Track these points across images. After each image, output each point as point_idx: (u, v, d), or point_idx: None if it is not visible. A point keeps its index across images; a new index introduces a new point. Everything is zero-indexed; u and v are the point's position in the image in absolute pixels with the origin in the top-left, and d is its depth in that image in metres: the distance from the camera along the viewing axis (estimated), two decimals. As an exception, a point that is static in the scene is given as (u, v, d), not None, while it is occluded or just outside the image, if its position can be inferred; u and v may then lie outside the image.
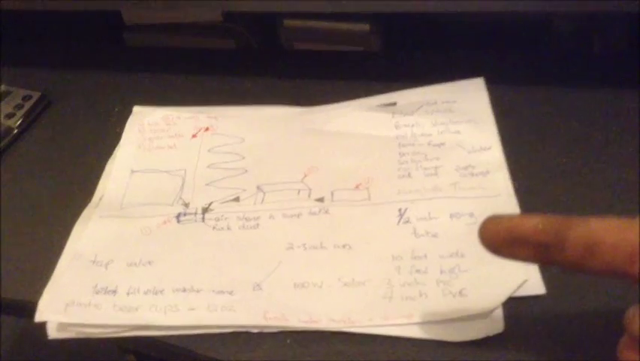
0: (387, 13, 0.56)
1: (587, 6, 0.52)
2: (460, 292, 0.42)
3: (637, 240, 0.26)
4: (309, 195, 0.51)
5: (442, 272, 0.43)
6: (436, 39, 0.72)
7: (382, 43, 0.71)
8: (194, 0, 0.59)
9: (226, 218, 0.50)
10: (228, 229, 0.50)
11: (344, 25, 0.71)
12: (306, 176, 0.53)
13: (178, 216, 0.51)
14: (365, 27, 0.70)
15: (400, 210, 0.48)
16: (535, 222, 0.27)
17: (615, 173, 0.50)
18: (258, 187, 0.53)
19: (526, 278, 0.41)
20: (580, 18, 0.69)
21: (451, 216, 0.47)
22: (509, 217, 0.29)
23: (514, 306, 0.41)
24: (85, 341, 0.45)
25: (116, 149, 0.59)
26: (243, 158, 0.56)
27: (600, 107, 0.56)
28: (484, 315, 0.41)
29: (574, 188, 0.49)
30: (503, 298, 0.40)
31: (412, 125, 0.55)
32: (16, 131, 0.63)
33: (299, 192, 0.52)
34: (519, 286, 0.41)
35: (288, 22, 0.73)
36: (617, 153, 0.51)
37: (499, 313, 0.41)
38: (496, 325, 0.40)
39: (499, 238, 0.28)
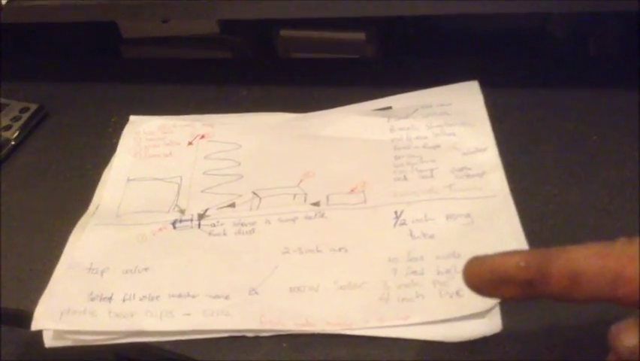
0: (382, 17, 0.56)
1: (587, 6, 0.52)
2: (457, 293, 0.42)
3: (617, 265, 0.26)
4: (304, 200, 0.51)
5: (438, 273, 0.43)
6: (431, 46, 0.72)
7: (378, 51, 0.71)
8: (190, 10, 0.59)
9: (222, 224, 0.50)
10: (224, 234, 0.49)
11: (340, 35, 0.71)
12: (301, 181, 0.53)
13: (174, 222, 0.51)
14: (361, 36, 0.71)
15: (395, 212, 0.48)
16: (517, 260, 0.27)
17: (610, 174, 0.50)
18: (254, 193, 0.53)
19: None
20: (575, 22, 0.69)
21: (447, 217, 0.47)
22: (491, 258, 0.28)
23: (511, 305, 0.41)
24: (82, 350, 0.45)
25: (113, 158, 0.59)
26: (239, 164, 0.56)
27: (595, 108, 0.56)
28: (481, 315, 0.40)
29: (569, 189, 0.49)
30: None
31: (408, 129, 0.55)
32: (13, 142, 0.63)
33: (295, 196, 0.51)
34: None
35: (285, 33, 0.73)
36: (612, 154, 0.51)
37: (496, 312, 0.41)
38: (493, 324, 0.40)
39: (483, 281, 0.28)
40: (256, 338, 0.43)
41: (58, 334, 0.45)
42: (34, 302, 0.46)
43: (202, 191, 0.54)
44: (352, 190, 0.51)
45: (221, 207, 0.52)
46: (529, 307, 0.41)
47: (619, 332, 0.27)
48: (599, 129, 0.54)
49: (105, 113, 0.65)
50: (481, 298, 0.40)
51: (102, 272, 0.48)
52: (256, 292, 0.44)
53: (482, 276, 0.28)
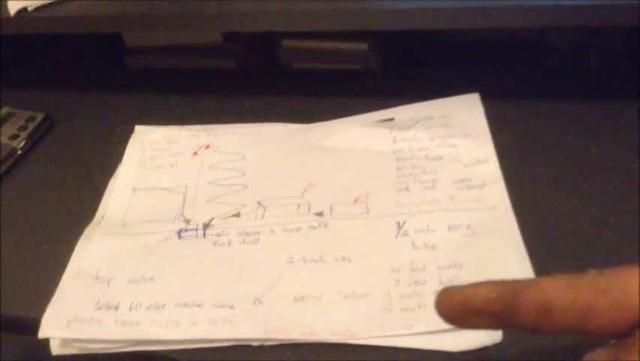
0: (385, 30, 0.57)
1: (586, 20, 0.53)
2: (459, 303, 0.42)
3: (587, 298, 0.26)
4: (308, 210, 0.52)
5: (440, 283, 0.44)
6: (433, 57, 0.73)
7: (380, 62, 0.72)
8: (195, 22, 0.60)
9: (227, 233, 0.51)
10: (229, 244, 0.50)
11: (342, 45, 0.72)
12: (305, 191, 0.53)
13: (179, 232, 0.52)
14: (363, 46, 0.71)
15: (398, 223, 0.49)
16: (487, 292, 0.27)
17: (610, 185, 0.50)
18: (259, 202, 0.53)
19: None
20: (575, 33, 0.70)
21: (449, 228, 0.48)
22: (461, 289, 0.28)
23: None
24: (88, 358, 0.45)
25: (118, 168, 0.59)
26: (244, 174, 0.56)
27: (595, 119, 0.57)
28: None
29: (570, 200, 0.50)
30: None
31: (410, 140, 0.56)
32: (20, 152, 0.64)
33: (299, 206, 0.52)
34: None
35: (287, 43, 0.74)
36: (613, 166, 0.52)
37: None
38: (494, 334, 0.41)
39: (454, 312, 0.29)
40: (261, 347, 0.43)
41: (65, 342, 0.45)
42: (41, 310, 0.47)
43: (207, 201, 0.54)
44: (355, 201, 0.52)
45: (226, 217, 0.52)
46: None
47: None
48: (599, 141, 0.54)
49: (110, 123, 0.66)
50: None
51: (108, 281, 0.48)
52: (261, 302, 0.45)
53: (453, 307, 0.28)
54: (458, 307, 0.28)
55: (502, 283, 0.28)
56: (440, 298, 0.29)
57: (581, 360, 0.27)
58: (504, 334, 0.41)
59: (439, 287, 0.43)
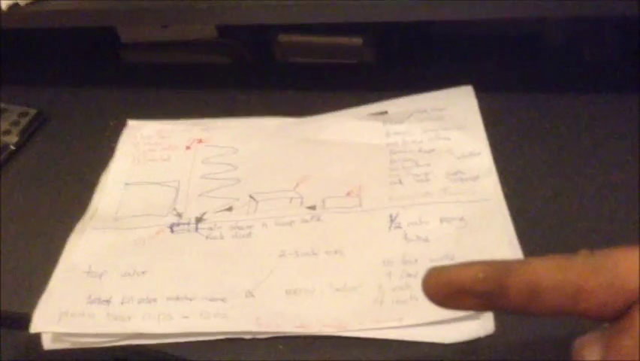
0: (379, 22, 0.57)
1: (584, 10, 0.53)
2: (451, 295, 0.42)
3: (578, 279, 0.25)
4: (301, 203, 0.52)
5: (432, 276, 0.44)
6: (428, 51, 0.73)
7: (375, 56, 0.72)
8: (188, 15, 0.60)
9: (219, 227, 0.51)
10: (221, 238, 0.50)
11: (338, 40, 0.72)
12: (298, 184, 0.53)
13: (171, 226, 0.52)
14: (358, 41, 0.71)
15: (390, 215, 0.49)
16: (475, 272, 0.27)
17: (604, 178, 0.50)
18: (251, 196, 0.53)
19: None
20: (570, 27, 0.70)
21: (442, 220, 0.47)
22: (448, 269, 0.28)
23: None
24: (80, 352, 0.45)
25: (111, 162, 0.59)
26: (236, 168, 0.56)
27: (590, 113, 0.57)
28: (475, 316, 0.41)
29: (563, 192, 0.50)
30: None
31: (403, 133, 0.56)
32: (12, 147, 0.63)
33: (291, 200, 0.52)
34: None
35: (283, 38, 0.73)
36: (607, 159, 0.52)
37: (489, 314, 0.41)
38: (486, 325, 0.41)
39: (441, 292, 0.28)
40: (253, 340, 0.43)
41: (57, 336, 0.45)
42: (33, 305, 0.47)
43: (199, 195, 0.54)
44: (348, 194, 0.52)
45: (219, 211, 0.52)
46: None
47: (582, 347, 0.26)
48: (593, 134, 0.54)
49: (103, 118, 0.66)
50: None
51: (100, 275, 0.48)
52: (252, 295, 0.45)
53: (440, 287, 0.28)
54: (445, 287, 0.27)
55: (491, 263, 0.27)
56: (427, 278, 0.28)
57: (572, 345, 0.27)
58: (496, 325, 0.41)
59: (431, 280, 0.43)
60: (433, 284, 0.28)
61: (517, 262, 0.27)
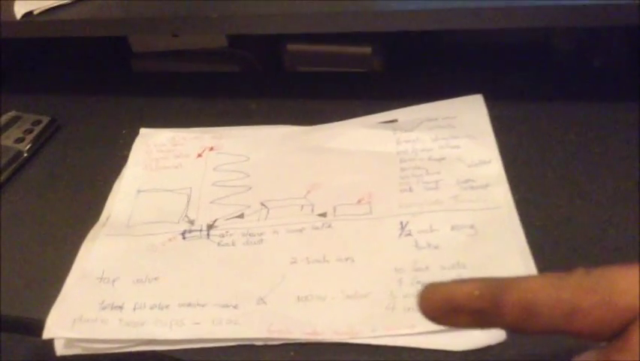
0: (388, 34, 0.57)
1: (592, 19, 0.53)
2: (462, 302, 0.42)
3: (573, 297, 0.25)
4: (312, 211, 0.52)
5: (443, 283, 0.44)
6: (437, 59, 0.73)
7: (384, 65, 0.72)
8: (199, 24, 0.60)
9: (231, 234, 0.51)
10: (233, 244, 0.50)
11: (346, 49, 0.72)
12: (309, 192, 0.54)
13: (183, 233, 0.52)
14: (367, 49, 0.71)
15: (401, 223, 0.49)
16: (470, 289, 0.27)
17: (614, 185, 0.50)
18: (262, 204, 0.53)
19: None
20: (579, 35, 0.70)
21: (452, 228, 0.48)
22: (444, 286, 0.27)
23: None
24: (92, 358, 0.46)
25: (123, 170, 0.60)
26: (248, 175, 0.57)
27: (599, 120, 0.57)
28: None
29: (573, 200, 0.50)
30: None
31: (413, 141, 0.56)
32: (25, 155, 0.64)
33: (302, 207, 0.52)
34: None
35: (292, 47, 0.74)
36: (616, 166, 0.52)
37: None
38: (498, 333, 0.41)
39: (435, 309, 0.27)
40: (264, 346, 0.43)
41: (70, 342, 0.45)
42: (46, 311, 0.47)
43: (211, 202, 0.55)
44: (359, 201, 0.52)
45: (230, 218, 0.53)
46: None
47: None
48: (602, 141, 0.54)
49: (116, 126, 0.66)
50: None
51: (113, 281, 0.48)
52: (264, 302, 0.45)
53: (435, 304, 0.27)
54: (440, 304, 0.27)
55: (486, 280, 0.27)
56: (423, 294, 0.28)
57: None
58: (507, 333, 0.41)
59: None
60: (429, 301, 0.28)
61: (513, 279, 0.27)
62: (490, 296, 0.26)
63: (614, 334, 0.25)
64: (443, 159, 0.54)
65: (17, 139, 0.65)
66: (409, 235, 0.48)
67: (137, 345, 0.45)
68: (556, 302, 0.25)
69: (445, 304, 0.27)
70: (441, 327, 0.40)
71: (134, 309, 0.46)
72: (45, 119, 0.67)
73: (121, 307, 0.46)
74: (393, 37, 0.70)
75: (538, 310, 0.25)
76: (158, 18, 0.61)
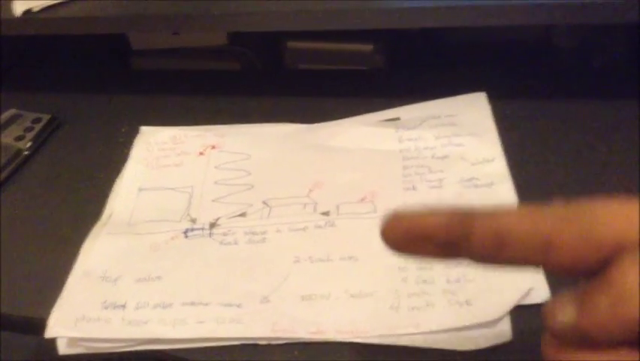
0: (390, 31, 0.57)
1: (593, 17, 0.53)
2: (467, 302, 0.42)
3: (551, 228, 0.23)
4: (314, 209, 0.52)
5: (448, 282, 0.44)
6: (439, 57, 0.73)
7: (386, 62, 0.72)
8: (200, 22, 0.60)
9: (233, 233, 0.51)
10: (235, 243, 0.50)
11: (348, 46, 0.72)
12: (311, 190, 0.53)
13: (185, 231, 0.52)
14: (368, 47, 0.71)
15: (405, 221, 0.49)
16: (439, 218, 0.24)
17: (618, 182, 0.50)
18: (265, 202, 0.53)
19: (531, 286, 0.41)
20: (580, 33, 0.70)
21: (456, 226, 0.47)
22: (411, 214, 0.25)
23: (521, 314, 0.41)
24: (95, 357, 0.45)
25: (124, 168, 0.59)
26: (250, 174, 0.56)
27: (601, 118, 0.57)
28: (491, 324, 0.41)
29: (577, 197, 0.49)
30: (509, 306, 0.41)
31: (416, 139, 0.56)
32: (26, 153, 0.64)
33: (305, 206, 0.52)
34: (525, 295, 0.41)
35: (292, 44, 0.74)
36: (620, 164, 0.52)
37: (506, 321, 0.41)
38: (503, 333, 0.40)
39: (400, 237, 0.25)
40: (268, 346, 0.43)
41: (72, 341, 0.45)
42: (48, 310, 0.47)
43: (213, 200, 0.54)
44: (362, 200, 0.52)
45: (232, 217, 0.52)
46: (537, 316, 0.41)
47: (554, 307, 0.24)
48: (605, 139, 0.54)
49: (116, 124, 0.66)
50: (491, 307, 0.41)
51: (115, 280, 0.48)
52: (268, 301, 0.45)
53: (400, 232, 0.25)
54: (405, 232, 0.25)
55: (456, 209, 0.25)
56: (387, 222, 0.26)
57: (543, 306, 0.25)
58: (514, 334, 0.41)
59: (447, 286, 0.43)
60: (393, 229, 0.26)
61: (484, 209, 0.24)
62: (460, 226, 0.24)
63: (591, 271, 0.23)
64: (446, 157, 0.54)
65: (17, 137, 0.65)
66: (413, 233, 0.48)
67: (140, 344, 0.44)
68: (531, 232, 0.23)
69: (410, 233, 0.25)
70: (446, 327, 0.41)
71: (137, 308, 0.46)
72: (45, 117, 0.67)
73: (123, 306, 0.46)
74: (394, 34, 0.70)
75: (511, 242, 0.23)
76: (158, 15, 0.61)
